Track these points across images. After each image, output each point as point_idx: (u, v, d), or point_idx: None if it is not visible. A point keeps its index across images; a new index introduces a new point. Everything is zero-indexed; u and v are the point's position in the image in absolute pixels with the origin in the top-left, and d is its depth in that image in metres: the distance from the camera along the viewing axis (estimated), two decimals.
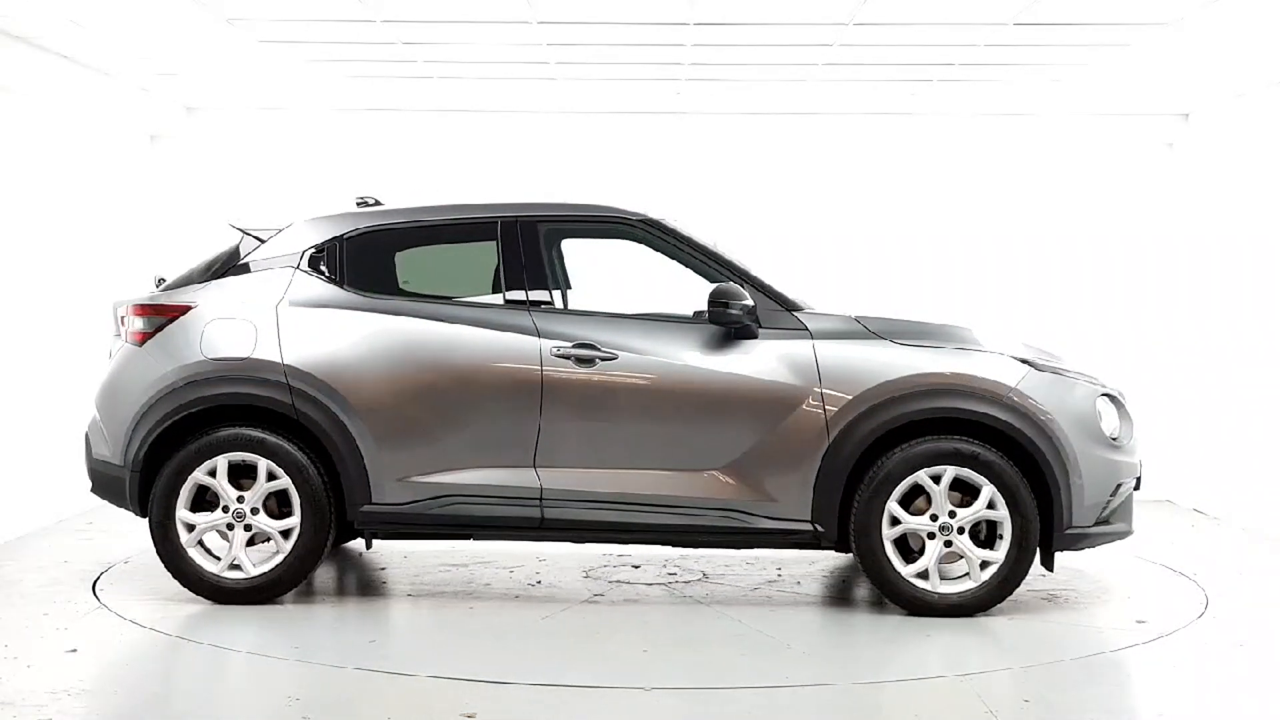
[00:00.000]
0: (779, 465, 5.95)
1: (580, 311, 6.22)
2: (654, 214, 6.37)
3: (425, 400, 6.06)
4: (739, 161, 10.11)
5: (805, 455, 5.93)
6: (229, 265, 6.43)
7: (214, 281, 6.38)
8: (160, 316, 6.32)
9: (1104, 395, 6.15)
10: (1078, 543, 6.05)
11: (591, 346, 6.05)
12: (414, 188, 9.47)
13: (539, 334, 6.08)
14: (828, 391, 5.94)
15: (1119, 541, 6.31)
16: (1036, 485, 5.98)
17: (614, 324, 6.13)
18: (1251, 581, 7.00)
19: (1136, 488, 6.27)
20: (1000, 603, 6.00)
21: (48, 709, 4.58)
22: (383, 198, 6.89)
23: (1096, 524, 6.04)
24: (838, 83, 8.77)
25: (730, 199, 9.89)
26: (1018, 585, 6.00)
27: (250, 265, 6.38)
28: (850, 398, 5.92)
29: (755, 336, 6.02)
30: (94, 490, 6.48)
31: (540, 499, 6.03)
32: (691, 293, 6.34)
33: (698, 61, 8.16)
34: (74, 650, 5.40)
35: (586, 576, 6.87)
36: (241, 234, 6.55)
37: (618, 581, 6.78)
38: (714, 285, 6.01)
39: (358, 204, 6.67)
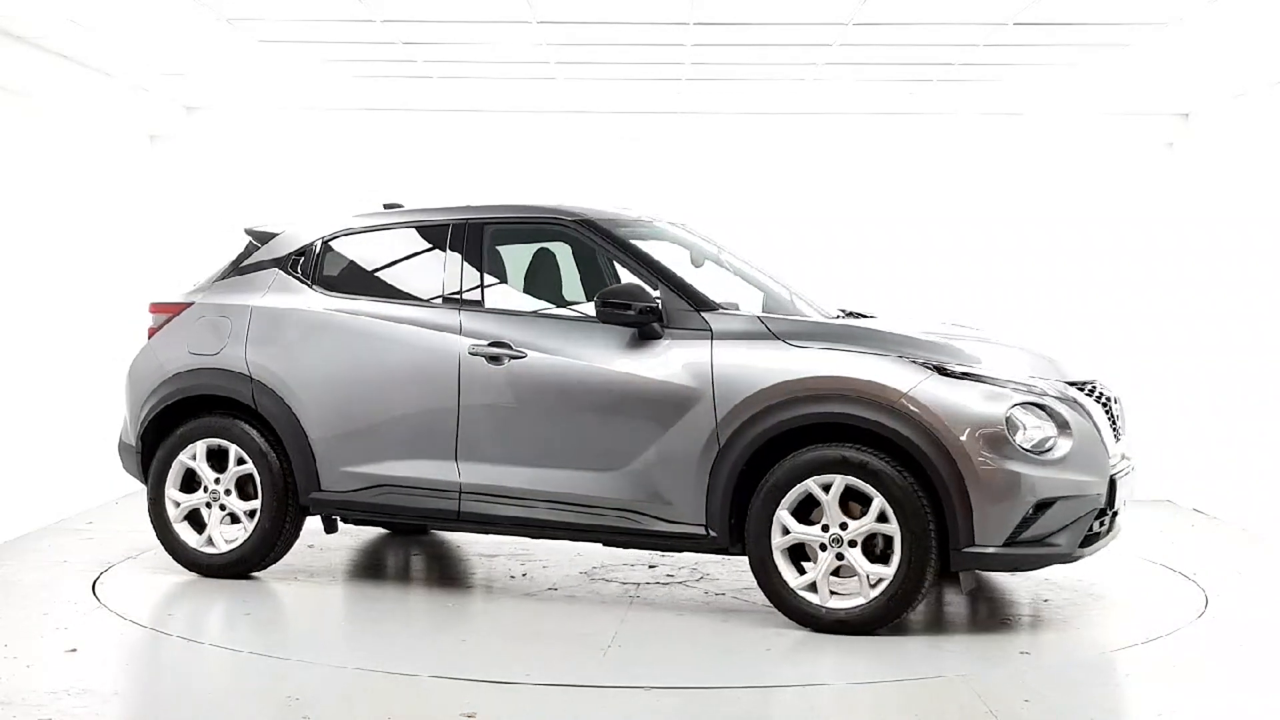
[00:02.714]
0: (673, 468, 5.81)
1: (506, 311, 6.30)
2: (591, 213, 6.38)
3: (363, 395, 6.40)
4: (739, 161, 10.11)
5: (698, 459, 5.77)
6: (234, 267, 6.92)
7: (220, 282, 6.90)
8: (165, 314, 6.96)
9: (1025, 404, 5.57)
10: (985, 563, 5.52)
11: (503, 345, 6.15)
12: (414, 188, 9.49)
13: (461, 332, 6.24)
14: (719, 394, 5.75)
15: (1072, 564, 5.84)
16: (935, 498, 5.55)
17: (533, 323, 6.21)
18: (1251, 581, 7.00)
19: (1109, 505, 5.70)
20: (892, 621, 5.59)
21: (47, 709, 4.58)
22: (404, 200, 7.12)
23: (1009, 544, 5.48)
24: (838, 82, 8.77)
25: (730, 198, 9.89)
26: (910, 603, 5.56)
27: (249, 267, 6.86)
28: (738, 401, 5.71)
29: (659, 337, 5.93)
30: (123, 466, 7.11)
31: (459, 493, 6.20)
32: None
33: (698, 61, 8.16)
34: (74, 650, 5.39)
35: (584, 575, 6.87)
36: (249, 237, 6.97)
37: (603, 580, 6.78)
38: (606, 286, 5.99)
39: (385, 208, 6.94)
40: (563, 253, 6.68)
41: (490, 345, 6.17)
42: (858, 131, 10.02)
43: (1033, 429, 5.56)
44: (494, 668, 5.13)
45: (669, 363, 5.88)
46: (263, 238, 6.90)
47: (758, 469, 5.76)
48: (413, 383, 6.29)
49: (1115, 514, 5.91)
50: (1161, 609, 6.31)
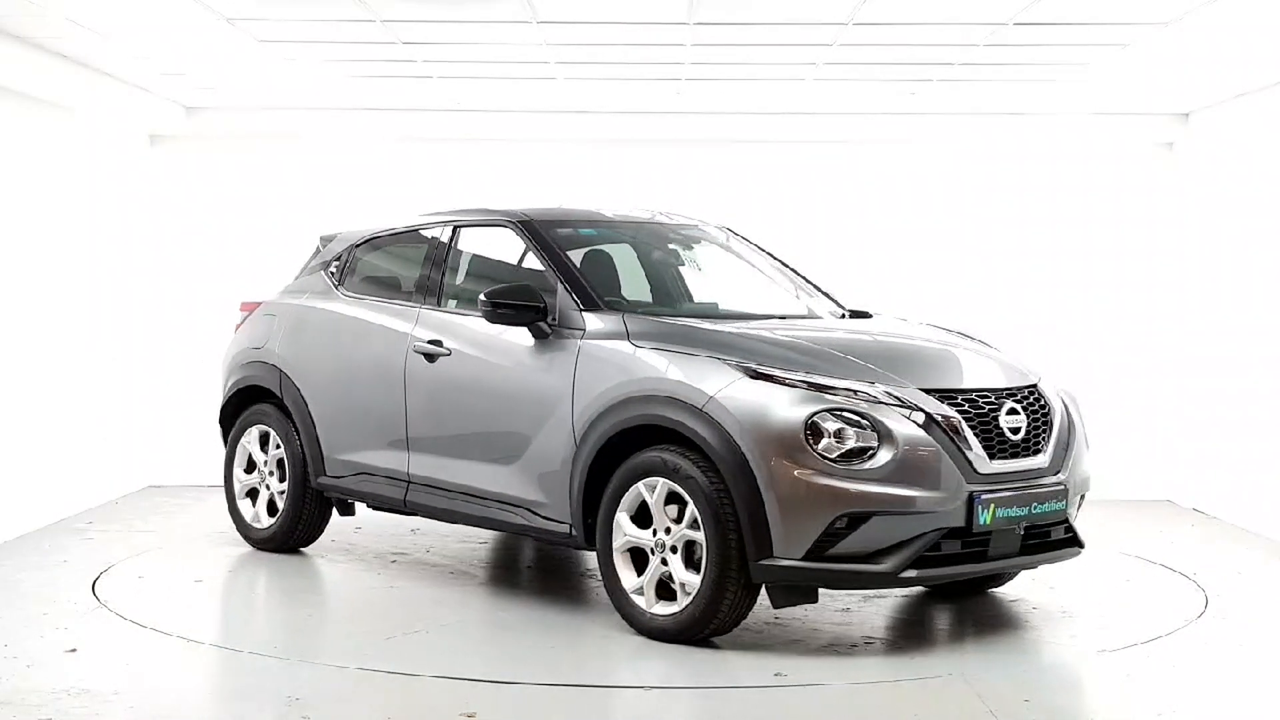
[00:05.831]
0: (546, 467, 5.91)
1: (454, 310, 6.58)
2: (533, 214, 6.56)
3: (347, 387, 6.90)
4: (738, 161, 10.11)
5: (561, 458, 5.84)
6: (303, 269, 7.61)
7: (292, 283, 7.59)
8: (245, 312, 7.72)
9: (835, 411, 5.17)
10: (787, 577, 5.18)
11: (437, 344, 6.46)
12: (412, 189, 9.48)
13: (414, 332, 6.60)
14: (577, 394, 5.79)
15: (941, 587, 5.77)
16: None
17: (467, 322, 6.42)
18: (1251, 581, 7.01)
19: (969, 527, 5.23)
20: (706, 630, 5.34)
21: (47, 709, 4.59)
22: (431, 205, 7.46)
23: (814, 559, 5.12)
24: (837, 82, 8.76)
25: (729, 198, 9.88)
26: (719, 612, 5.28)
27: (310, 269, 7.50)
28: (588, 400, 5.74)
29: (545, 336, 6.00)
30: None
31: (407, 481, 6.57)
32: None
33: (698, 61, 8.16)
34: (74, 650, 5.39)
35: (579, 573, 6.87)
36: (319, 240, 7.61)
37: (592, 578, 6.77)
38: (492, 286, 6.12)
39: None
40: (621, 254, 6.71)
41: (429, 343, 6.49)
42: (858, 131, 10.01)
43: (846, 437, 5.16)
44: (493, 668, 5.13)
45: (549, 362, 5.99)
46: (326, 241, 7.51)
47: (602, 470, 5.72)
48: (379, 378, 6.72)
49: (1044, 537, 5.57)
50: (1161, 609, 6.31)
